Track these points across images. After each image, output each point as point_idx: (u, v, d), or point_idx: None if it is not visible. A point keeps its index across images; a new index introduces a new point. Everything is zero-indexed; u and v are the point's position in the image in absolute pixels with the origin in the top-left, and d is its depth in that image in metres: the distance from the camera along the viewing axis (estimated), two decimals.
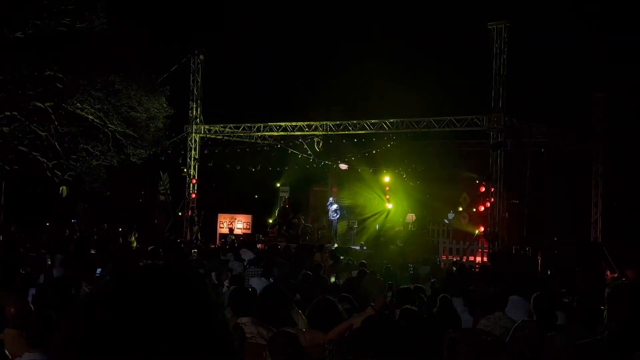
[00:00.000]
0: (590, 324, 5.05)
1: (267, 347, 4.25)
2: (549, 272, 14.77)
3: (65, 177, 21.14)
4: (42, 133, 20.85)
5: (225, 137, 24.95)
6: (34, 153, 20.80)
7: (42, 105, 20.32)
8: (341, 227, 24.36)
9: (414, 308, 5.61)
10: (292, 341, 4.15)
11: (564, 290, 9.71)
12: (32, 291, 6.99)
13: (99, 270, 9.97)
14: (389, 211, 25.09)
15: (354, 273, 11.27)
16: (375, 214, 25.44)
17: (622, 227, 22.64)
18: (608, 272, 16.04)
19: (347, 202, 26.08)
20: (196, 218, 24.80)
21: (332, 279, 10.57)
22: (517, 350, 5.16)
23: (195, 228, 24.40)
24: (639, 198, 22.72)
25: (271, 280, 9.28)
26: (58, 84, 20.04)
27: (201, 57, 24.42)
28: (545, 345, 4.90)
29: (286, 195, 27.78)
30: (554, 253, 18.02)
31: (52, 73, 19.75)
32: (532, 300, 6.76)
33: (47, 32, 19.16)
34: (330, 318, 4.96)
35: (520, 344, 5.21)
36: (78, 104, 20.78)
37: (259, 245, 20.03)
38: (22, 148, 20.73)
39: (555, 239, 19.22)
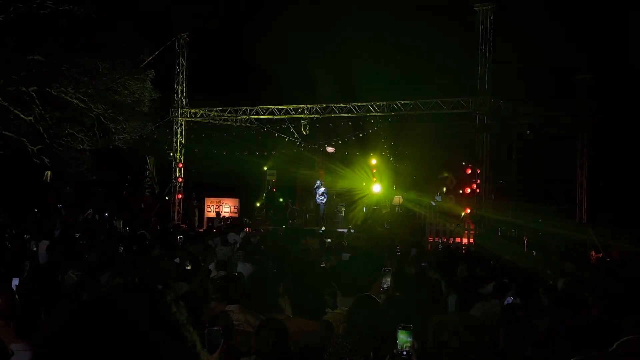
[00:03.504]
0: (574, 307, 5.11)
1: (255, 334, 4.28)
2: (534, 253, 14.89)
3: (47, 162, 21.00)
4: (26, 118, 20.63)
5: (211, 121, 24.82)
6: (18, 138, 20.59)
7: (26, 90, 20.08)
8: (328, 210, 24.38)
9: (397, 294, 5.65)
10: (279, 329, 4.17)
11: (548, 272, 9.80)
12: (17, 280, 6.93)
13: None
14: (376, 194, 25.14)
15: (345, 256, 11.23)
16: (363, 196, 25.47)
17: (606, 208, 22.88)
18: (593, 253, 16.18)
19: (334, 185, 26.09)
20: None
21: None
22: (503, 332, 5.22)
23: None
24: (623, 179, 22.97)
25: (258, 265, 9.29)
26: (41, 68, 19.80)
27: (186, 39, 24.17)
28: (530, 328, 4.96)
29: (273, 178, 27.79)
30: (538, 234, 18.16)
31: (35, 57, 19.49)
32: (517, 283, 6.84)
33: (29, 15, 18.87)
34: (316, 305, 4.99)
35: (506, 326, 5.28)
36: (62, 88, 20.56)
37: (246, 229, 20.03)
38: (6, 133, 20.52)
39: (540, 220, 19.36)
